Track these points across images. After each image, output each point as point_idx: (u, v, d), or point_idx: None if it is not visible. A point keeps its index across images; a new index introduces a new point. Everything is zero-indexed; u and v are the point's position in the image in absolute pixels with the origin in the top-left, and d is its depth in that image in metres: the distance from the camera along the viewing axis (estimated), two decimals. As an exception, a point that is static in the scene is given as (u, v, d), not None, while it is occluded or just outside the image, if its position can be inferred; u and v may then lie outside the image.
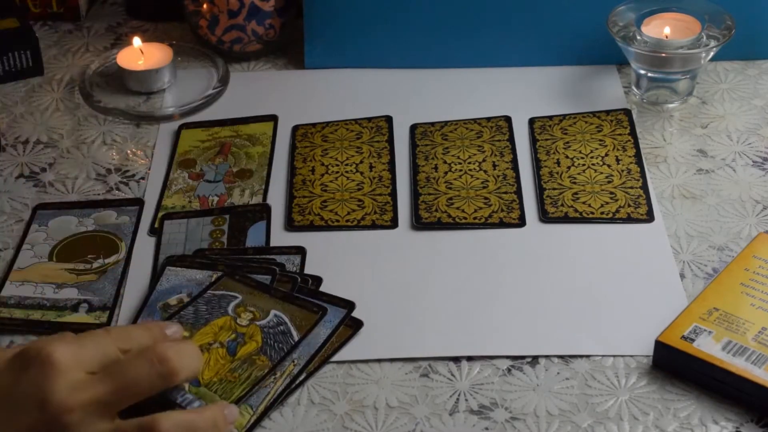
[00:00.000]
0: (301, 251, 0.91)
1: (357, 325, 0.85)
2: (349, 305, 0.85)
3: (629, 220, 0.94)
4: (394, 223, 0.95)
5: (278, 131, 1.05)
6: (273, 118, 1.07)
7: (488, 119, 1.05)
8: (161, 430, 0.69)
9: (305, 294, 0.86)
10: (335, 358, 0.83)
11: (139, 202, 0.98)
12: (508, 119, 1.05)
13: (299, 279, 0.87)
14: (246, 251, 0.92)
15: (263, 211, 0.96)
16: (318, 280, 0.89)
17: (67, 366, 0.69)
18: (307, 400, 0.81)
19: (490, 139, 1.03)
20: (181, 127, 1.06)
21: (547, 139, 1.03)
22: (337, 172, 1.00)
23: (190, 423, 0.71)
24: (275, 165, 1.02)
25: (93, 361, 0.71)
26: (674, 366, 0.81)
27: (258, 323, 0.83)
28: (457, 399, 0.81)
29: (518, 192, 0.97)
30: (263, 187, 0.99)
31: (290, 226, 0.95)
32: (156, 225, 0.96)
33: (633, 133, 1.03)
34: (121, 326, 0.76)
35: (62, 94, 1.13)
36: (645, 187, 0.97)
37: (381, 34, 1.12)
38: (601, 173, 0.98)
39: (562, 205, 0.96)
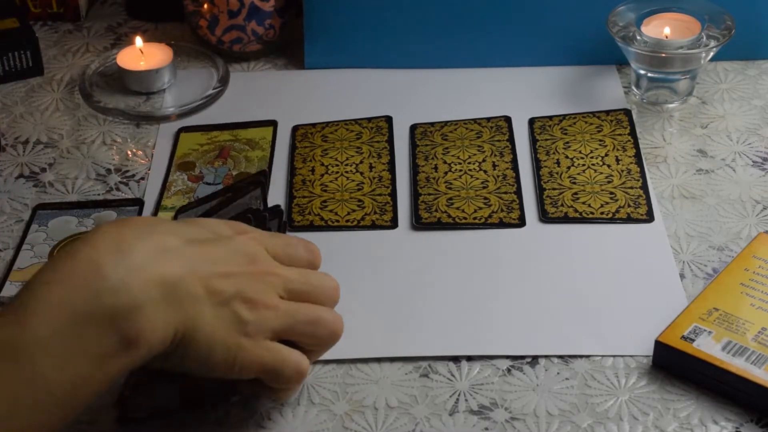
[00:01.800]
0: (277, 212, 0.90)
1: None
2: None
3: (629, 220, 0.94)
4: (394, 224, 0.95)
5: (278, 131, 1.05)
6: (272, 123, 1.06)
7: (488, 119, 1.05)
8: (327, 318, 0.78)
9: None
10: (335, 357, 0.83)
11: (138, 203, 0.98)
12: (508, 119, 1.05)
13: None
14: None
15: (260, 176, 0.96)
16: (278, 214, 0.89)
17: (270, 251, 0.78)
18: (307, 400, 0.81)
19: (490, 140, 1.03)
20: (180, 130, 1.06)
21: (547, 139, 1.03)
22: (337, 173, 1.00)
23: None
24: (275, 165, 1.02)
25: (288, 260, 0.79)
26: (674, 366, 0.81)
27: None
28: (457, 399, 0.81)
29: (518, 192, 0.97)
30: (262, 188, 0.99)
31: (290, 226, 0.95)
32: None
33: (633, 133, 1.03)
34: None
35: (62, 94, 1.13)
36: (645, 187, 0.97)
37: (381, 34, 1.12)
38: (601, 173, 0.98)
39: (561, 205, 0.96)
